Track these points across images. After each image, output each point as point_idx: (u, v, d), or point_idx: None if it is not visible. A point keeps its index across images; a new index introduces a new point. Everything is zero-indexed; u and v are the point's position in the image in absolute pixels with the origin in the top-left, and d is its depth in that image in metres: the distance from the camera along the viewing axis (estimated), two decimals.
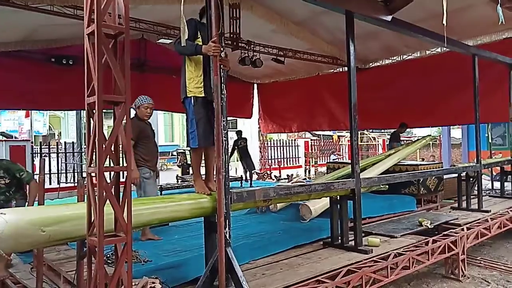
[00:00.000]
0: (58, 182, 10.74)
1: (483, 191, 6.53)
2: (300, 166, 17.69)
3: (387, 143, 10.35)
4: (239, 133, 10.68)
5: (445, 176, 7.06)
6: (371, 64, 9.13)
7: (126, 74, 2.19)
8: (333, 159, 15.53)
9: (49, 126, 23.47)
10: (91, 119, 2.16)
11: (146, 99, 4.58)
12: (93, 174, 2.17)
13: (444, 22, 3.33)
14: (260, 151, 14.72)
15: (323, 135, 21.57)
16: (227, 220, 3.00)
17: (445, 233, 4.92)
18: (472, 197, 6.43)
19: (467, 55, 6.25)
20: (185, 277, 3.32)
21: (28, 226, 2.25)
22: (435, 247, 4.45)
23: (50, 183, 10.81)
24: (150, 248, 3.85)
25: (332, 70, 9.73)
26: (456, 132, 18.50)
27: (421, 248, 4.31)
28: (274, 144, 18.22)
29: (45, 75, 7.59)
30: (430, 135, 9.18)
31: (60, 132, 26.40)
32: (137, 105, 4.54)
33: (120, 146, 2.28)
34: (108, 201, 2.13)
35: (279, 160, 17.24)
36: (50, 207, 2.63)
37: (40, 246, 2.84)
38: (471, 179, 6.41)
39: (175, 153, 26.51)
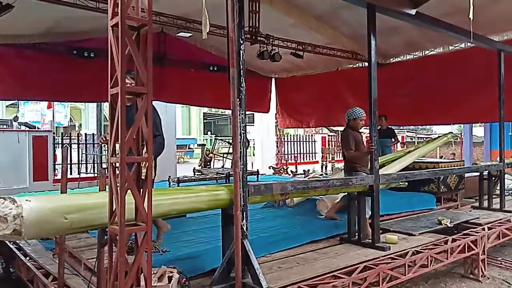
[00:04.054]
0: (79, 173, 10.97)
1: (505, 191, 6.38)
2: (316, 162, 17.58)
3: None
4: None
5: (466, 175, 6.91)
6: (391, 59, 8.96)
7: (148, 66, 2.21)
8: None
9: (70, 117, 23.97)
10: (114, 110, 2.20)
11: (363, 113, 4.66)
12: (115, 164, 2.21)
13: (471, 16, 3.24)
14: (277, 146, 14.69)
15: (340, 131, 21.39)
16: (244, 213, 3.02)
17: (465, 232, 4.84)
18: (494, 196, 6.30)
19: (493, 50, 6.09)
20: (202, 268, 3.36)
21: (52, 213, 2.31)
22: (455, 246, 4.38)
23: (71, 173, 11.04)
24: (168, 238, 3.90)
25: (351, 65, 9.60)
26: (478, 130, 18.09)
27: (440, 247, 4.25)
28: (290, 139, 18.15)
29: (67, 67, 7.72)
30: (451, 133, 8.99)
31: (81, 124, 26.93)
32: (354, 117, 4.72)
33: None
34: (129, 191, 2.17)
35: (296, 155, 17.17)
36: (73, 195, 2.70)
37: (63, 233, 2.91)
38: (494, 178, 6.27)
39: (192, 146, 26.80)
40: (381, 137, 8.94)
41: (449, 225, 5.11)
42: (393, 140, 8.79)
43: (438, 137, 8.24)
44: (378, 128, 9.26)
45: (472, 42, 5.72)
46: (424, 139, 21.12)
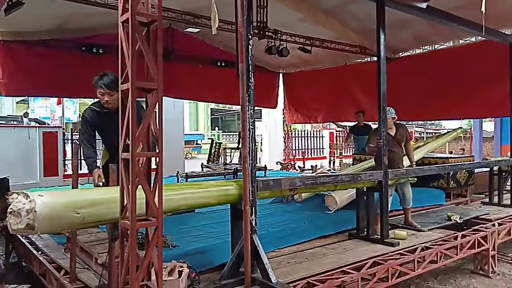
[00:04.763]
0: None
1: None
2: (324, 157, 17.53)
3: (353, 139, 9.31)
4: None
5: (476, 170, 6.85)
6: (400, 53, 8.88)
7: (158, 61, 2.22)
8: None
9: (79, 113, 24.14)
10: (124, 105, 2.21)
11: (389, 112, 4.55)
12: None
13: (483, 9, 3.19)
14: (284, 142, 14.68)
15: (348, 126, 21.27)
16: (253, 208, 3.03)
17: (475, 228, 4.80)
18: (504, 192, 6.24)
19: (505, 44, 6.00)
20: (212, 262, 3.38)
21: (64, 208, 2.34)
22: (464, 242, 4.35)
23: (80, 169, 11.14)
24: (178, 233, 3.93)
25: (359, 60, 9.53)
26: (488, 125, 17.87)
27: (449, 243, 4.23)
28: (298, 134, 18.11)
29: (76, 63, 7.74)
30: (461, 128, 8.89)
31: None
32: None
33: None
34: (140, 186, 2.19)
35: (303, 150, 17.15)
36: (84, 190, 2.74)
37: (74, 228, 2.95)
38: (504, 173, 6.22)
39: (199, 142, 26.91)
40: (359, 134, 8.69)
41: (458, 221, 5.08)
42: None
43: (448, 132, 8.17)
44: (355, 124, 9.16)
45: (484, 36, 5.64)
46: (433, 134, 20.94)
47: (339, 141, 18.85)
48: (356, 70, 9.54)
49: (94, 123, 3.57)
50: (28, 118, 15.14)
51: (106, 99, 3.35)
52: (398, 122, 4.96)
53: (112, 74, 3.31)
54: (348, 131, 9.42)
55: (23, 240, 4.23)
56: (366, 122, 8.84)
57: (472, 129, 15.40)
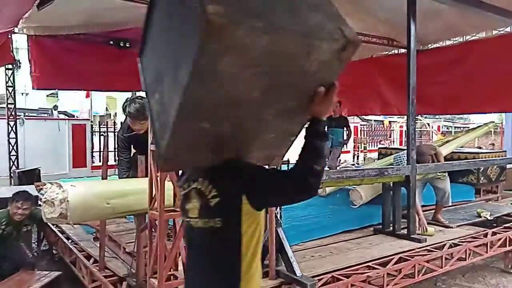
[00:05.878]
0: (115, 160, 11.32)
1: None
2: (348, 152, 17.28)
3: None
4: None
5: (508, 166, 6.61)
6: (429, 45, 8.62)
7: None
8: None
9: (106, 106, 24.66)
10: None
11: None
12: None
13: None
14: None
15: (374, 120, 20.89)
16: None
17: (506, 225, 4.65)
18: None
19: None
20: None
21: (95, 199, 2.42)
22: (495, 240, 4.22)
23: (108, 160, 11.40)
24: None
25: (386, 52, 9.31)
26: None
27: (479, 240, 4.12)
28: None
29: (103, 57, 7.92)
30: (493, 122, 8.59)
31: (116, 113, 27.65)
32: None
33: None
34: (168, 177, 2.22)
35: None
36: (114, 181, 2.80)
37: (104, 218, 3.03)
38: None
39: None
40: (333, 127, 7.71)
41: (488, 218, 4.93)
42: (345, 131, 7.90)
43: (479, 126, 7.90)
44: (330, 115, 8.63)
45: None
46: (461, 128, 20.33)
47: (363, 135, 18.59)
48: (383, 62, 9.32)
49: (127, 147, 3.69)
50: (58, 111, 15.58)
51: (136, 128, 3.33)
52: (423, 144, 4.75)
53: (139, 100, 3.22)
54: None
55: (54, 229, 4.39)
56: (343, 114, 8.35)
57: (503, 123, 14.85)
